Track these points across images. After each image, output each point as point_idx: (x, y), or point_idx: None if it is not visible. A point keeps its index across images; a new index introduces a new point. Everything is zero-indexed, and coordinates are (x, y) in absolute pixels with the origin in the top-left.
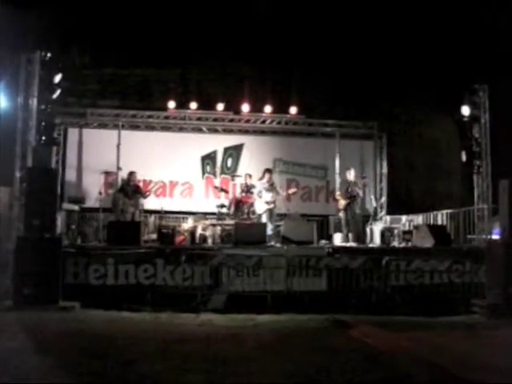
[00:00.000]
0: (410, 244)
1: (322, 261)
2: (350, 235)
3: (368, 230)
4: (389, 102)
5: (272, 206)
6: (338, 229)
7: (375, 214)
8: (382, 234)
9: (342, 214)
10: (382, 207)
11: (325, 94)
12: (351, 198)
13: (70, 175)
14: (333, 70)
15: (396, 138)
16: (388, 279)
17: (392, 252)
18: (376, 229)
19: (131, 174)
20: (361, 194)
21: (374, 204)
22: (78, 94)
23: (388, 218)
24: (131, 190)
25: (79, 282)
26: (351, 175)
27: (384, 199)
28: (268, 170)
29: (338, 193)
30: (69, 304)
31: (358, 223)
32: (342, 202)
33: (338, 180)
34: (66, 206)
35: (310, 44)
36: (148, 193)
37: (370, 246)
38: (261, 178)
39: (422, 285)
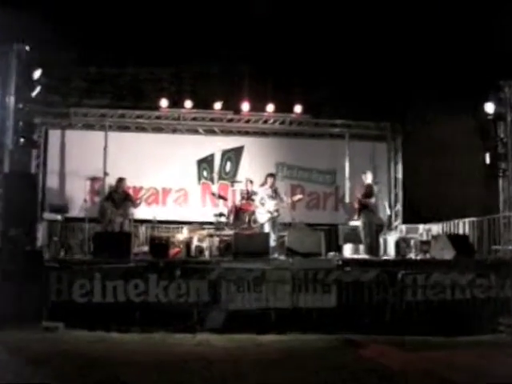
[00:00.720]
0: (428, 256)
1: (330, 274)
2: (362, 246)
3: (381, 240)
4: (403, 100)
5: (275, 214)
6: (349, 239)
7: (389, 222)
8: (397, 244)
9: (359, 222)
10: (396, 215)
11: (333, 91)
12: (363, 204)
13: (52, 181)
14: (341, 65)
15: (411, 140)
16: (404, 294)
17: (408, 264)
18: (390, 239)
19: (120, 180)
20: (373, 200)
21: (388, 212)
22: (63, 92)
23: (403, 227)
24: (120, 197)
25: (63, 299)
26: (368, 179)
27: (399, 207)
28: (271, 175)
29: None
30: (52, 324)
31: (371, 233)
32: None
33: (347, 185)
34: (48, 215)
35: (317, 37)
36: (138, 201)
37: (384, 258)
38: (263, 184)
39: (441, 301)
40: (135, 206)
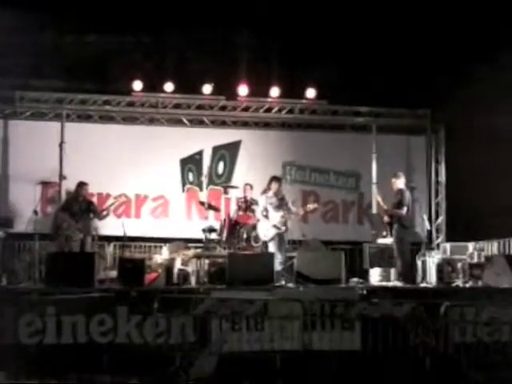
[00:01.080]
0: (480, 283)
1: (353, 308)
2: (393, 271)
3: (419, 263)
4: (448, 79)
5: (282, 229)
6: (376, 262)
7: (429, 240)
8: (440, 268)
9: (389, 240)
10: (438, 231)
11: (355, 69)
12: (393, 217)
13: None
14: (366, 35)
15: (459, 132)
16: (449, 334)
17: (454, 295)
18: (431, 261)
19: (80, 185)
20: (404, 211)
21: (428, 226)
22: (1, 70)
23: (448, 246)
24: (80, 207)
25: (5, 341)
26: (399, 184)
27: (442, 219)
28: (275, 179)
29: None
30: None
31: (405, 253)
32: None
33: (374, 192)
34: None
35: (334, 1)
36: (105, 212)
37: (423, 285)
38: (265, 191)
39: (498, 342)
40: (100, 218)
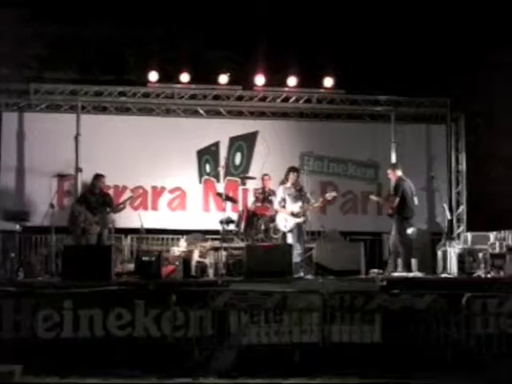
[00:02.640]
0: (502, 273)
1: (373, 299)
2: (414, 261)
3: (440, 253)
4: (468, 67)
5: (301, 219)
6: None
7: (450, 230)
8: (461, 259)
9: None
10: (459, 221)
11: (374, 58)
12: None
13: (7, 180)
14: (385, 23)
15: (480, 121)
16: (471, 326)
17: (476, 285)
18: (451, 252)
19: (97, 177)
20: (395, 201)
21: (449, 216)
22: (15, 62)
23: (469, 235)
24: (97, 200)
25: (22, 335)
26: (393, 174)
27: (463, 209)
28: (293, 170)
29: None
30: (6, 368)
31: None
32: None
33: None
34: (2, 224)
35: None
36: (122, 205)
37: (443, 276)
38: (283, 182)
39: None
40: (115, 211)
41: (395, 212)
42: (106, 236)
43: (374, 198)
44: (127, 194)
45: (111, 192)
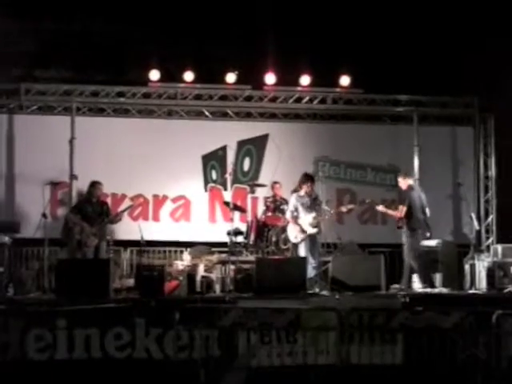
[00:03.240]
0: None
1: (394, 318)
2: (438, 276)
3: (467, 267)
4: (498, 62)
5: (315, 230)
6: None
7: (478, 242)
8: (490, 273)
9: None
10: (488, 231)
11: (394, 54)
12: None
13: None
14: (406, 16)
15: (510, 122)
16: (502, 346)
17: (507, 302)
18: (480, 265)
19: (94, 185)
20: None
21: (477, 227)
22: (4, 60)
23: (499, 248)
24: (94, 210)
25: (11, 357)
26: (403, 183)
27: (492, 219)
28: (308, 178)
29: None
30: None
31: (451, 257)
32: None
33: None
34: None
35: None
36: (120, 215)
37: (471, 292)
38: (296, 190)
39: None
40: (113, 222)
41: (404, 223)
42: (104, 249)
43: (380, 208)
44: (126, 204)
45: (109, 201)
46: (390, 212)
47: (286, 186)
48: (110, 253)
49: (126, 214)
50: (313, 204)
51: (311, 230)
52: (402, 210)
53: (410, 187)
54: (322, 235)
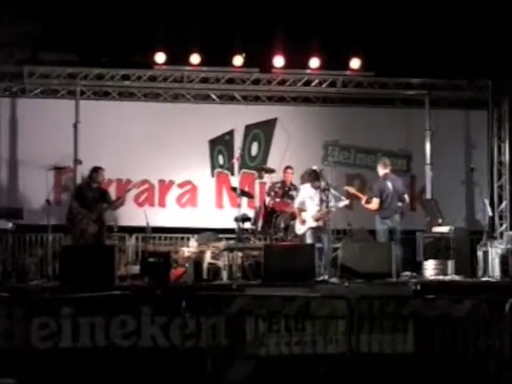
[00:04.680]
0: None
1: (405, 306)
2: (450, 263)
3: (480, 254)
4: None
5: (316, 224)
6: (432, 253)
7: (492, 228)
8: (504, 260)
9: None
10: (502, 218)
11: (405, 36)
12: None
13: None
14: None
15: None
16: None
17: None
18: (493, 252)
19: (95, 170)
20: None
21: (490, 213)
22: (7, 42)
23: None
24: (94, 196)
25: (15, 345)
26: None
27: (506, 204)
28: (311, 175)
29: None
30: None
31: (463, 244)
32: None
33: (429, 174)
34: None
35: None
36: (120, 201)
37: (484, 279)
38: (304, 180)
39: None
40: (113, 208)
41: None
42: (104, 236)
43: (350, 189)
44: (136, 188)
45: (114, 186)
46: (366, 205)
47: (294, 171)
48: (115, 239)
49: (131, 199)
50: (320, 198)
51: (312, 224)
52: (375, 203)
53: (385, 176)
54: (332, 222)
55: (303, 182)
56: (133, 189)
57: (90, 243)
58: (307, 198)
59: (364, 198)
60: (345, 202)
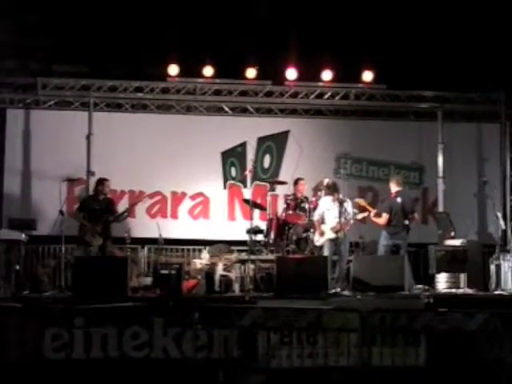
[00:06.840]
0: None
1: (418, 319)
2: (463, 276)
3: (493, 267)
4: None
5: (334, 236)
6: (444, 266)
7: (504, 241)
8: None
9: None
10: None
11: (418, 49)
12: None
13: (12, 185)
14: (430, 9)
15: None
16: None
17: None
18: (506, 266)
19: (101, 182)
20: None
21: (503, 226)
22: (21, 54)
23: None
24: (100, 208)
25: (27, 356)
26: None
27: None
28: (331, 188)
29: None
30: None
31: (476, 257)
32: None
33: (441, 187)
34: (6, 233)
35: None
36: (125, 213)
37: (497, 293)
38: (317, 189)
39: None
40: (118, 220)
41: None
42: (109, 248)
43: (361, 202)
44: (145, 201)
45: (126, 198)
46: (374, 219)
47: (307, 183)
48: (128, 251)
49: (144, 210)
50: (338, 211)
51: (330, 235)
52: (384, 219)
53: (397, 194)
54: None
55: (315, 194)
56: (143, 202)
57: (95, 256)
58: (325, 210)
59: (373, 212)
60: (364, 214)
